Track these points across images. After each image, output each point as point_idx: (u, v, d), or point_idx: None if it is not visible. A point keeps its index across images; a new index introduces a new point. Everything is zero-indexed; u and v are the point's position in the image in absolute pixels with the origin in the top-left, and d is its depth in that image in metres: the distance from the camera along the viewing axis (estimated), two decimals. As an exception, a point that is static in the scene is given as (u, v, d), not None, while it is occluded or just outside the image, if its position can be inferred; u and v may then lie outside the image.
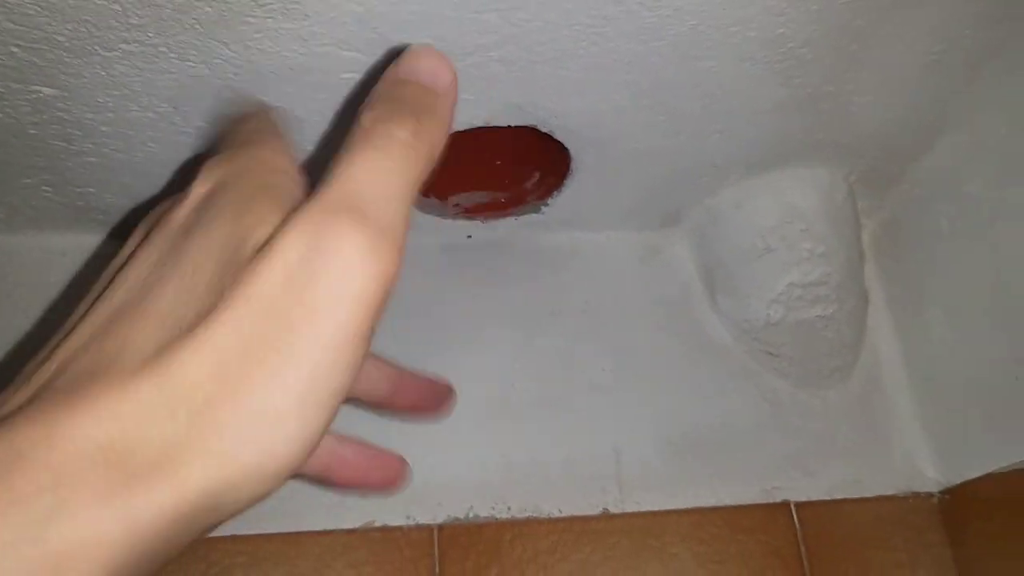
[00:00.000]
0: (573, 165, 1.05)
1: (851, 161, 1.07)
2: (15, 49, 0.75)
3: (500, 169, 1.13)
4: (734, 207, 1.10)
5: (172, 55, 0.78)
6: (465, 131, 0.97)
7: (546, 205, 1.13)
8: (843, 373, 1.12)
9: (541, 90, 0.89)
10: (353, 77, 0.83)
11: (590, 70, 0.86)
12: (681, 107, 0.93)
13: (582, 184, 1.08)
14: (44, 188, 0.97)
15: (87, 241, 1.05)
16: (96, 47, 0.76)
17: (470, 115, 0.92)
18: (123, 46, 0.76)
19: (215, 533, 0.86)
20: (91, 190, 0.98)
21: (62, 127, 0.86)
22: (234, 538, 0.90)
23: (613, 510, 0.98)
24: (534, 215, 1.14)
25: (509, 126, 0.97)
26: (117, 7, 0.71)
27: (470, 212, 1.15)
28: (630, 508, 0.98)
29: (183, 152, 0.92)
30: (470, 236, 1.16)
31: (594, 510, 0.98)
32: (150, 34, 0.75)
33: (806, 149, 1.04)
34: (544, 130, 0.97)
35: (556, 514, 0.97)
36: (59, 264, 1.04)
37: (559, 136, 0.98)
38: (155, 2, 0.71)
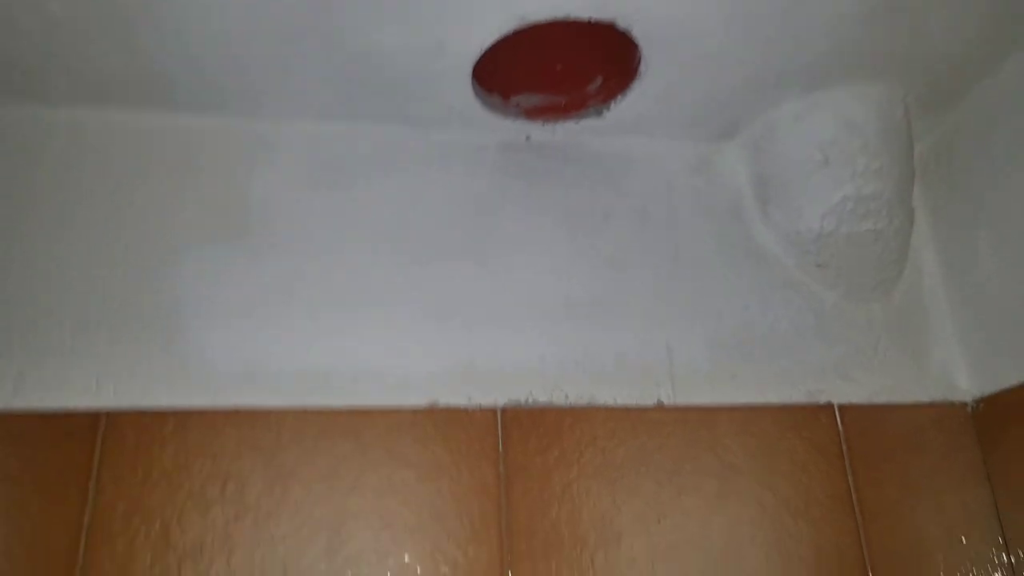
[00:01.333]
0: (642, 67, 1.05)
1: (912, 79, 1.09)
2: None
3: (562, 72, 1.13)
4: (793, 119, 1.11)
5: (275, -82, 0.77)
6: (533, 28, 0.97)
7: (607, 109, 1.14)
8: (887, 287, 1.15)
9: (631, -17, 0.89)
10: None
11: (684, -36, 0.86)
12: (763, 10, 0.94)
13: (647, 88, 1.08)
14: (113, 55, 0.96)
15: (151, 120, 1.05)
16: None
17: (553, 7, 0.92)
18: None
19: (285, 404, 0.88)
20: (164, 64, 0.97)
21: (150, -8, 0.86)
22: (304, 411, 0.93)
23: (667, 402, 1.02)
24: (594, 119, 1.15)
25: (582, 22, 0.97)
26: None
27: (530, 113, 1.15)
28: (682, 401, 1.02)
29: (267, 27, 0.92)
30: (529, 137, 1.17)
31: (648, 401, 1.01)
32: None
33: (871, 64, 1.05)
34: (621, 27, 0.97)
35: (612, 403, 1.00)
36: (124, 142, 1.04)
37: (635, 34, 0.98)
38: None
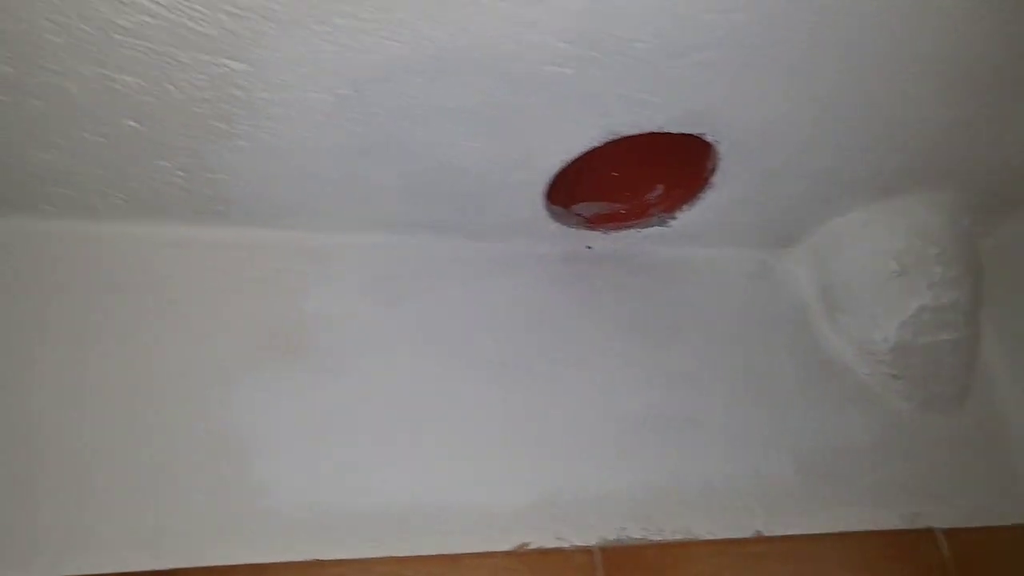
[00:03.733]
0: (716, 178, 1.02)
1: (977, 187, 1.08)
2: (223, 16, 0.68)
3: (618, 180, 1.09)
4: (862, 227, 1.09)
5: (382, 33, 0.72)
6: (609, 143, 0.94)
7: (673, 219, 1.10)
8: (960, 398, 1.12)
9: (727, 97, 0.86)
10: (555, 70, 0.79)
11: (784, 79, 0.84)
12: (851, 123, 0.92)
13: (718, 198, 1.05)
14: (177, 172, 0.89)
15: (203, 233, 0.97)
16: (308, 20, 0.70)
17: (647, 119, 0.89)
18: (336, 20, 0.70)
19: (361, 553, 0.78)
20: (224, 177, 0.90)
21: (231, 106, 0.79)
22: (386, 559, 0.83)
23: (765, 532, 0.95)
24: (658, 228, 1.11)
25: (654, 134, 0.94)
26: (352, -24, 0.66)
27: (592, 222, 1.11)
28: (779, 531, 0.96)
29: (343, 139, 0.86)
30: (590, 247, 1.13)
31: (746, 532, 0.95)
32: (370, 9, 0.69)
33: (942, 173, 1.04)
34: (709, 139, 0.94)
35: (708, 536, 0.93)
36: (172, 256, 0.96)
37: (722, 147, 0.95)
38: (393, -27, 0.66)
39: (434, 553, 0.85)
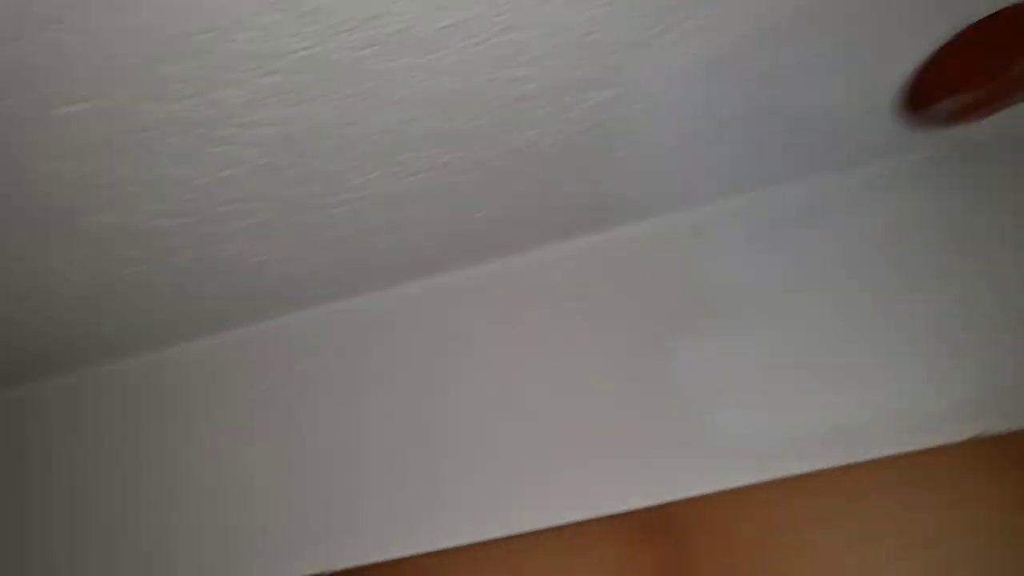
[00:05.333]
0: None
1: None
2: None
3: (973, 68, 1.07)
4: None
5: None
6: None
7: (1053, 86, 1.05)
8: None
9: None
10: None
11: None
12: None
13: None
14: (568, 193, 1.08)
15: (595, 240, 1.17)
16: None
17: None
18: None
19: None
20: (609, 188, 1.08)
21: (607, 131, 0.96)
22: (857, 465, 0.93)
23: None
24: (1029, 103, 1.07)
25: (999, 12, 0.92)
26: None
27: (957, 117, 1.10)
28: None
29: (701, 124, 0.98)
30: (956, 143, 1.12)
31: None
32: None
33: None
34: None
35: None
36: (576, 266, 1.17)
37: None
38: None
39: (888, 454, 0.93)
